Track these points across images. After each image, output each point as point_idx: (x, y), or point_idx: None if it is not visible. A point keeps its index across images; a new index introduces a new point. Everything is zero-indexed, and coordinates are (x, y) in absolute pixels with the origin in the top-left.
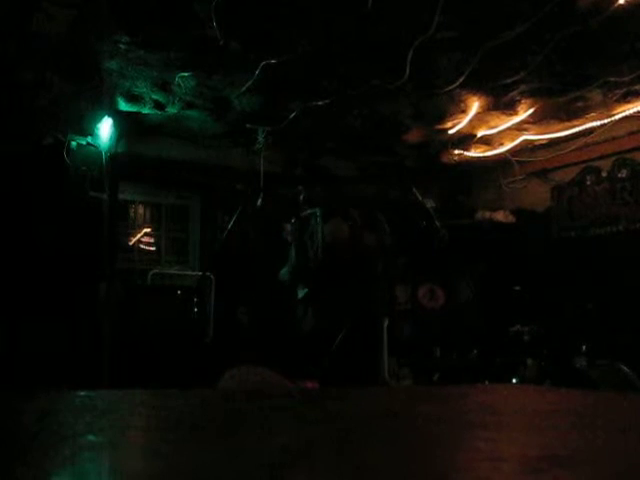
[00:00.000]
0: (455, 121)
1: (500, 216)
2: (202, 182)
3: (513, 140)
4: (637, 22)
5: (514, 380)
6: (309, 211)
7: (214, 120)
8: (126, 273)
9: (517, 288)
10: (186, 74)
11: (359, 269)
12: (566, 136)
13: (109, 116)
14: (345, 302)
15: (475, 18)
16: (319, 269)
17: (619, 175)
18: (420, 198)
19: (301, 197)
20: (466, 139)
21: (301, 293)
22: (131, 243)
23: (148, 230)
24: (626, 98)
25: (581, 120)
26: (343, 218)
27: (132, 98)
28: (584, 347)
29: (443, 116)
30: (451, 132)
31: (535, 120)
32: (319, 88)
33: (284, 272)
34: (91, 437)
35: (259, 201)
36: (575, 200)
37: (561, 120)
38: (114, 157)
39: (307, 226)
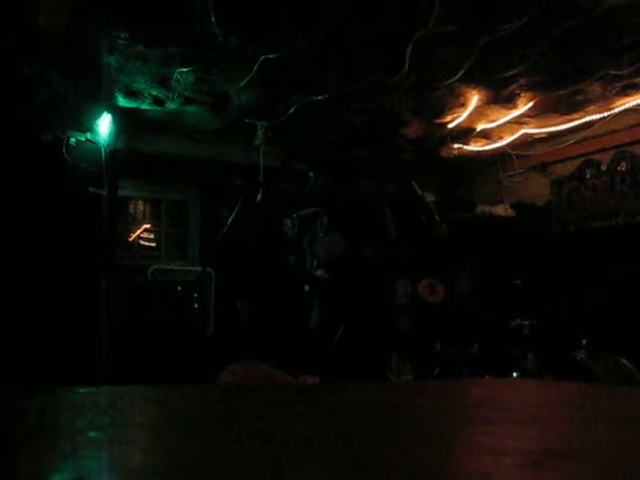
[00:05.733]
0: (454, 115)
1: (500, 210)
2: (201, 178)
3: (512, 134)
4: (636, 15)
5: (514, 374)
6: (311, 210)
7: (213, 115)
8: (126, 269)
9: (517, 282)
10: (185, 69)
11: (357, 281)
12: (565, 130)
13: (108, 112)
14: (343, 303)
15: (474, 11)
16: (315, 281)
17: (619, 168)
18: (420, 192)
19: (308, 187)
20: (465, 133)
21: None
22: (131, 239)
23: (148, 226)
24: (625, 91)
25: (580, 113)
26: (340, 233)
27: (131, 94)
28: (584, 341)
29: (442, 110)
30: (450, 126)
31: (534, 114)
32: (318, 83)
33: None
34: (92, 433)
35: (259, 196)
36: (575, 194)
37: (560, 114)
38: (113, 153)
39: (306, 230)
